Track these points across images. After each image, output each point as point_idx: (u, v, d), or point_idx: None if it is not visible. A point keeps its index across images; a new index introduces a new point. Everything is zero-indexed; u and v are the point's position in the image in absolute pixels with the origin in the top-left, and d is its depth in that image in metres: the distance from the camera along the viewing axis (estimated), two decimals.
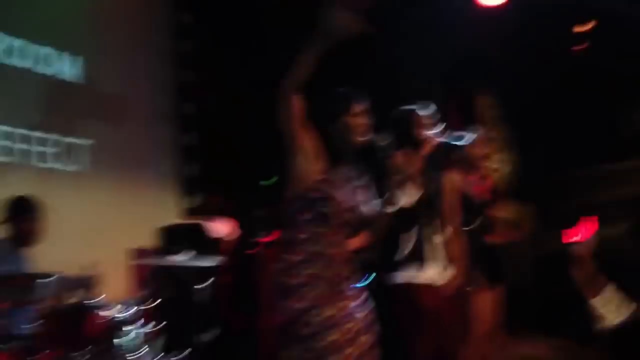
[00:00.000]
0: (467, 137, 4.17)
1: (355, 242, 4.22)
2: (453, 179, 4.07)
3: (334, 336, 2.64)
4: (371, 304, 2.85)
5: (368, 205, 2.87)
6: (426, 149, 3.59)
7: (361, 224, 2.83)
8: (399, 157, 2.72)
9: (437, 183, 3.66)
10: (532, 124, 5.94)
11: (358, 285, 2.89)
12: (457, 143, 3.91)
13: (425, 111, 3.64)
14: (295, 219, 2.71)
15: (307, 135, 2.69)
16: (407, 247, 3.53)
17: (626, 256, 4.21)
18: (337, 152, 2.81)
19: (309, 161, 2.69)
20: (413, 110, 3.63)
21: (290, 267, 2.68)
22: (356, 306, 2.77)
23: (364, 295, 2.83)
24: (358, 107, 2.82)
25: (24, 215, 4.20)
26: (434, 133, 3.62)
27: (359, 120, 2.80)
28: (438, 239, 3.61)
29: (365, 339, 2.74)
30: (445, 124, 3.96)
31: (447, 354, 3.58)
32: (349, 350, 2.68)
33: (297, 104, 2.64)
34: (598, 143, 6.11)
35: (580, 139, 6.16)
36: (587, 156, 6.16)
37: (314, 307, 2.64)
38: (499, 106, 6.07)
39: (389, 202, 2.80)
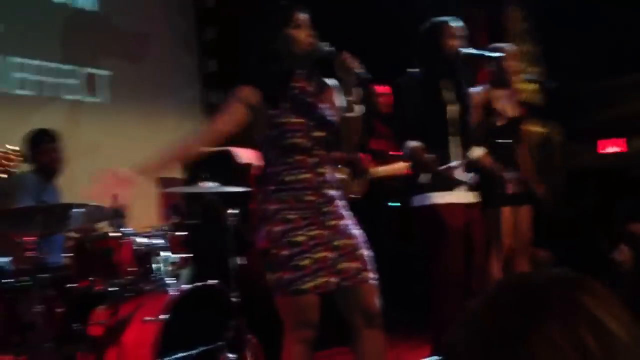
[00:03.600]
0: (500, 51, 4.02)
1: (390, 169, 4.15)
2: (482, 94, 3.95)
3: (320, 254, 2.64)
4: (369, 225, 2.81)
5: (335, 112, 2.77)
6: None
7: (337, 133, 2.75)
8: (347, 59, 2.63)
9: (468, 98, 3.56)
10: (563, 33, 5.69)
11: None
12: (491, 55, 3.76)
13: (456, 23, 3.51)
14: (267, 156, 2.76)
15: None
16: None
17: None
18: (284, 69, 2.74)
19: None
20: (445, 22, 3.50)
21: (266, 196, 2.72)
22: (351, 224, 2.75)
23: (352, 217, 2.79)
24: (300, 18, 2.71)
25: (44, 145, 4.28)
26: (462, 45, 3.49)
27: (302, 31, 2.70)
28: (469, 155, 3.52)
29: (361, 254, 2.71)
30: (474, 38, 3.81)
31: (476, 270, 3.56)
32: (343, 266, 2.67)
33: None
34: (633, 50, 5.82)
35: (613, 47, 5.88)
36: (621, 65, 5.89)
37: (293, 229, 2.64)
38: (529, 19, 5.83)
39: (350, 106, 2.70)
